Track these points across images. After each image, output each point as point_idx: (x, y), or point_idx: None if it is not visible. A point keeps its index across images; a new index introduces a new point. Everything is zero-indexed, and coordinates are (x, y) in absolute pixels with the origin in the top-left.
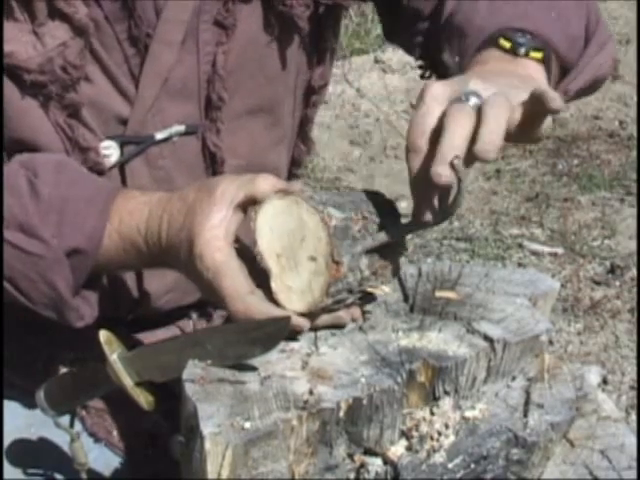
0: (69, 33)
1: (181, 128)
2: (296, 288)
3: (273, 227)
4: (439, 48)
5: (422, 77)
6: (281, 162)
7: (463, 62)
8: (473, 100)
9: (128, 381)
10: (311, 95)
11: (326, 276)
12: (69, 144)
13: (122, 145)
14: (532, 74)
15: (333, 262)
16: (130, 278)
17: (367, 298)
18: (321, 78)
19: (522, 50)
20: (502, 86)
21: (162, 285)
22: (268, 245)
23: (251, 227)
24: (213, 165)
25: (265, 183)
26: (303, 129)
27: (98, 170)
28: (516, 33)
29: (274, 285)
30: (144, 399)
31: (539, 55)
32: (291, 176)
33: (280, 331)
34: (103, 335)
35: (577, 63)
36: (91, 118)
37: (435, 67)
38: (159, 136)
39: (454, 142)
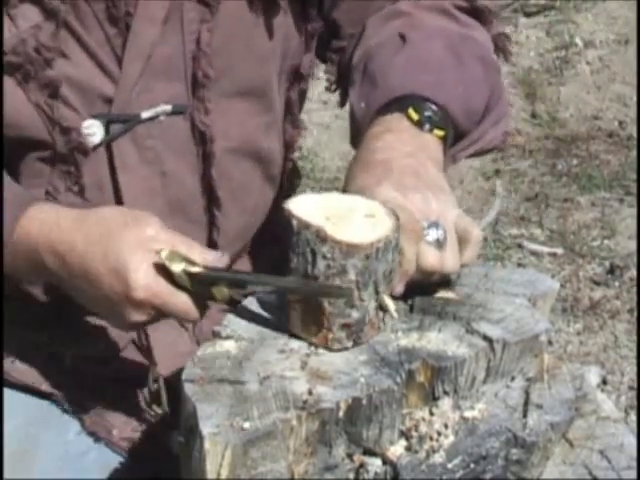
0: (41, 15)
1: (168, 107)
2: (356, 230)
3: (310, 206)
4: (349, 79)
5: (327, 89)
6: (274, 147)
7: (368, 114)
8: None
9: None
10: (299, 82)
11: (392, 221)
12: (50, 124)
13: (108, 124)
14: (429, 150)
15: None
16: None
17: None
18: (309, 66)
19: (427, 126)
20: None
21: None
22: (311, 213)
23: (285, 211)
24: (203, 145)
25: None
26: (291, 111)
27: (82, 150)
28: (425, 104)
29: (329, 229)
30: (219, 294)
31: (441, 134)
32: (287, 161)
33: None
34: (165, 252)
35: (470, 133)
36: (74, 98)
37: (342, 84)
38: (145, 115)
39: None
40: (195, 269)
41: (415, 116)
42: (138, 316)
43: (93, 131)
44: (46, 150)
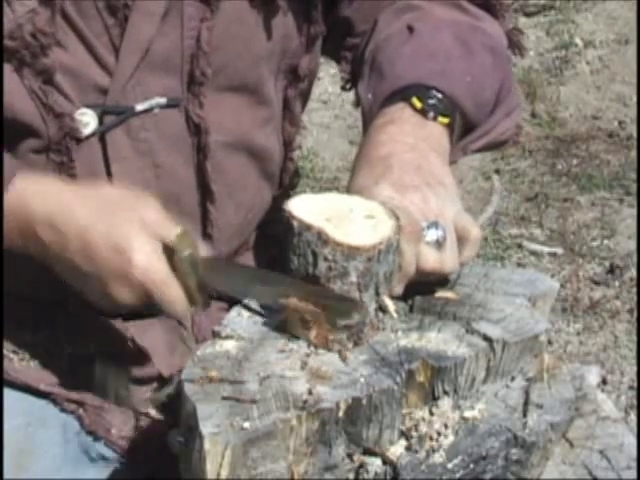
0: (37, 0)
1: (162, 100)
2: (357, 231)
3: (310, 207)
4: (360, 74)
5: (343, 88)
6: (271, 144)
7: (374, 105)
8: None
9: (192, 281)
10: (296, 81)
11: (392, 222)
12: (44, 110)
13: (102, 115)
14: (432, 140)
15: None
16: None
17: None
18: (307, 67)
19: (431, 114)
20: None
21: None
22: (311, 214)
23: (285, 212)
24: (198, 137)
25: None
26: (288, 109)
27: (75, 137)
28: (429, 92)
29: (330, 231)
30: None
31: (446, 121)
32: (286, 160)
33: (348, 312)
34: (176, 232)
35: (481, 125)
36: (68, 86)
37: (356, 82)
38: (139, 107)
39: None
40: (200, 258)
41: (419, 104)
42: (128, 297)
43: (87, 120)
44: (39, 139)
